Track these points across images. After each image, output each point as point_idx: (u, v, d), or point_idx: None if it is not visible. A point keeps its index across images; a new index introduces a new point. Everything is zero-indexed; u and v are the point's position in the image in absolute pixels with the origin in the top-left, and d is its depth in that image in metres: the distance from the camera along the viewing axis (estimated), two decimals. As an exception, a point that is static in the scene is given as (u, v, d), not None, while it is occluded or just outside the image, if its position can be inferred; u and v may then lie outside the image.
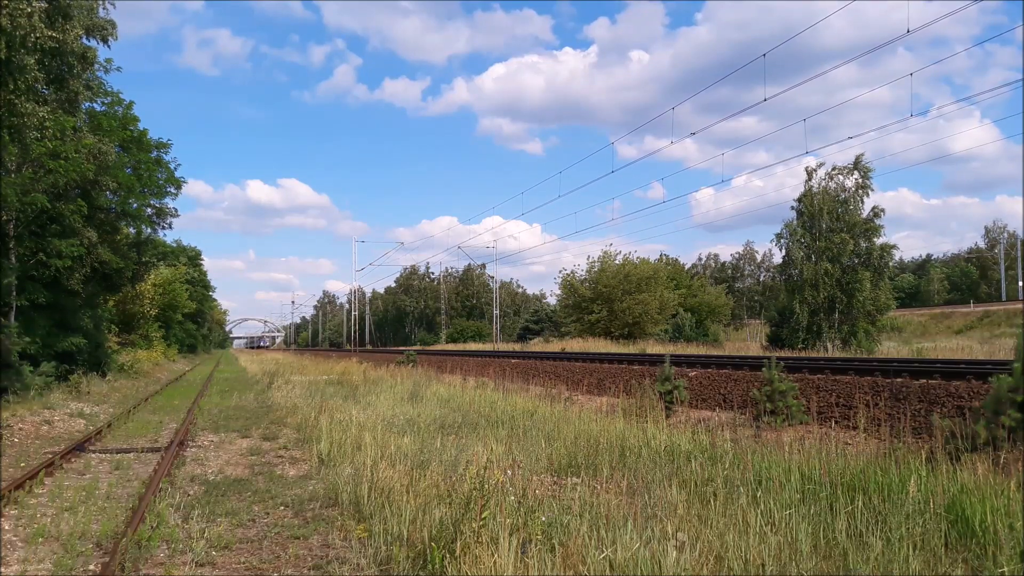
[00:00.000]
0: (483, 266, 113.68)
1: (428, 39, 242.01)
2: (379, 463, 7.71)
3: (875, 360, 20.01)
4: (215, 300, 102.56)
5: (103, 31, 17.49)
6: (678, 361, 20.14)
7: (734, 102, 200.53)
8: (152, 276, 41.45)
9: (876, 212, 38.39)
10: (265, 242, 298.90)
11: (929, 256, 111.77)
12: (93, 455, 10.88)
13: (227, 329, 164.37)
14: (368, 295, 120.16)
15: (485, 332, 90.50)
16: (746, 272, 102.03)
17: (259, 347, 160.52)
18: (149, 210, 27.58)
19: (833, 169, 39.40)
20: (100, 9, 17.26)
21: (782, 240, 40.36)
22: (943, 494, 5.84)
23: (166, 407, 18.57)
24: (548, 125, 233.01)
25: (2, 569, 5.59)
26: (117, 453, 11.04)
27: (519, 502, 5.40)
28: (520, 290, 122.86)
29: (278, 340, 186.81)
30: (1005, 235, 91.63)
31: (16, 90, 13.32)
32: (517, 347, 61.19)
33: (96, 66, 19.80)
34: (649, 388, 13.44)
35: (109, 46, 18.30)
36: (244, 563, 5.72)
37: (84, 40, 16.09)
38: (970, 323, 54.89)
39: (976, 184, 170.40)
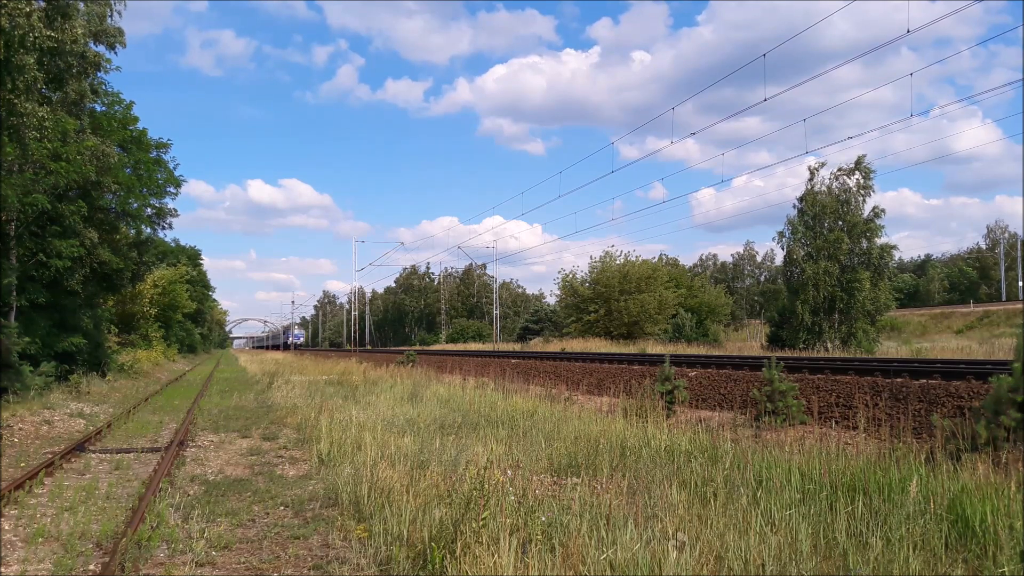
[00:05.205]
0: (483, 266, 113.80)
1: (431, 39, 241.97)
2: (379, 463, 7.70)
3: (875, 360, 20.00)
4: (215, 300, 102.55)
5: (111, 38, 17.63)
6: (678, 361, 20.15)
7: (736, 102, 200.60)
8: (153, 276, 41.47)
9: (876, 212, 38.44)
10: (266, 242, 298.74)
11: (929, 256, 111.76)
12: (93, 455, 10.87)
13: (227, 329, 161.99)
14: (368, 295, 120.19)
15: (485, 332, 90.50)
16: (746, 272, 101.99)
17: (286, 345, 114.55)
18: (149, 210, 27.69)
19: (839, 170, 39.43)
20: (108, 18, 17.38)
21: (784, 239, 40.38)
22: (943, 494, 5.84)
23: (166, 407, 18.56)
24: (549, 125, 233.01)
25: (2, 569, 5.59)
26: (117, 453, 11.03)
27: (519, 502, 5.40)
28: (520, 290, 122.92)
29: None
30: (1006, 236, 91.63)
31: (15, 90, 13.32)
32: (517, 347, 61.19)
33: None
34: (649, 388, 13.44)
35: (116, 53, 18.48)
36: (244, 563, 5.72)
37: (92, 46, 16.21)
38: (970, 323, 54.86)
39: (977, 184, 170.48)
